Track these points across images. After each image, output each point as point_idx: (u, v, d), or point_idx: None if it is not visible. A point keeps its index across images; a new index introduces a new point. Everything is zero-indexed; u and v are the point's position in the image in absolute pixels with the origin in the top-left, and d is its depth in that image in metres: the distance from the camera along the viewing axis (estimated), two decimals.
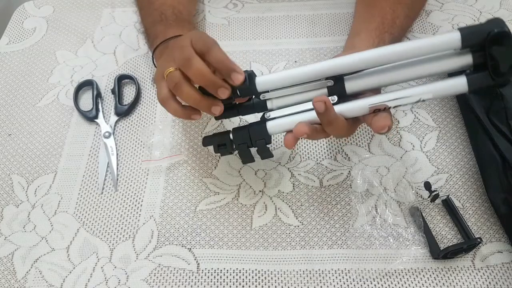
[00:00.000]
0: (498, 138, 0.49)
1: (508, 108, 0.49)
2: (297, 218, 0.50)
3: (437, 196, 0.50)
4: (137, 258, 0.48)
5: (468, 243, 0.45)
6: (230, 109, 0.46)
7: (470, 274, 0.45)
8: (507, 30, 0.37)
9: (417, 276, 0.46)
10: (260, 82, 0.44)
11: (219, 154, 0.55)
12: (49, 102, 0.62)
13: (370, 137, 0.56)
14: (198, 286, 0.46)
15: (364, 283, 0.46)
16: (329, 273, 0.46)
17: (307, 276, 0.46)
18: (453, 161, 0.53)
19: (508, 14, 0.66)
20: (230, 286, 0.46)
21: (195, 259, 0.48)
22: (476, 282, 0.45)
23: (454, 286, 0.45)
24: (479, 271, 0.46)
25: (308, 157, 0.55)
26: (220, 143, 0.47)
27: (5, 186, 0.54)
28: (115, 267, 0.48)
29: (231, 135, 0.46)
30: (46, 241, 0.50)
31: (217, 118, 0.48)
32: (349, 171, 0.53)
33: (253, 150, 0.46)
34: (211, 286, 0.46)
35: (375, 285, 0.45)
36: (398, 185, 0.51)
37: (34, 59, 0.67)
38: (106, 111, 0.61)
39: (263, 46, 0.66)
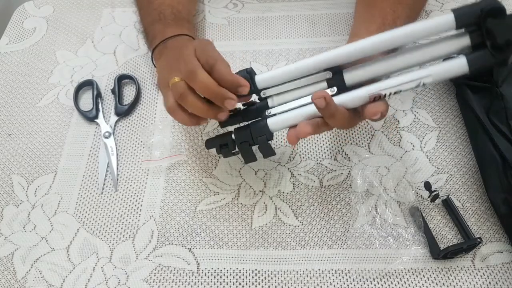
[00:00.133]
0: (498, 138, 0.49)
1: (508, 108, 0.49)
2: (297, 218, 0.50)
3: (437, 196, 0.50)
4: (137, 258, 0.48)
5: (468, 243, 0.45)
6: (235, 116, 0.47)
7: (470, 274, 0.45)
8: (499, 4, 0.37)
9: (417, 276, 0.46)
10: (260, 79, 0.44)
11: (219, 154, 0.55)
12: (49, 102, 0.62)
13: (370, 137, 0.56)
14: (198, 286, 0.46)
15: (364, 283, 0.46)
16: (329, 273, 0.46)
17: (307, 276, 0.46)
18: (453, 161, 0.53)
19: None
20: (230, 286, 0.46)
21: (195, 259, 0.48)
22: (476, 282, 0.45)
23: (454, 286, 0.45)
24: (479, 271, 0.46)
25: (308, 157, 0.55)
26: (222, 143, 0.47)
27: (5, 186, 0.54)
28: (115, 267, 0.48)
29: (233, 135, 0.46)
30: (46, 241, 0.50)
31: (222, 125, 0.48)
32: (349, 171, 0.53)
33: (256, 150, 0.46)
34: (211, 286, 0.46)
35: (375, 285, 0.45)
36: (398, 185, 0.51)
37: (34, 59, 0.67)
38: (106, 111, 0.61)
39: (263, 46, 0.66)
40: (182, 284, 0.46)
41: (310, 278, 0.46)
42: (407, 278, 0.46)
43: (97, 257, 0.49)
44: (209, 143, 0.48)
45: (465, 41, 0.38)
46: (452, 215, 0.49)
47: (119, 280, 0.47)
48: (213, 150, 0.55)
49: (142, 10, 0.62)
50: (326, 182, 0.52)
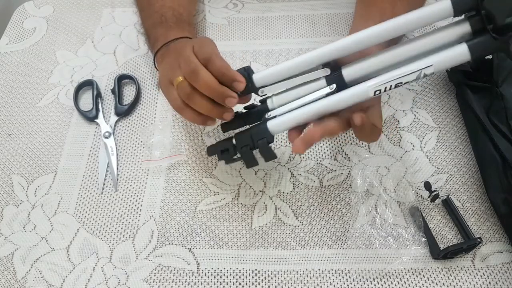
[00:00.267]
0: (498, 138, 0.49)
1: (508, 108, 0.49)
2: (297, 218, 0.50)
3: (437, 196, 0.50)
4: (137, 258, 0.48)
5: (468, 243, 0.45)
6: (237, 120, 0.47)
7: (470, 274, 0.45)
8: None
9: (417, 276, 0.46)
10: (258, 77, 0.44)
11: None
12: (49, 102, 0.62)
13: None
14: (198, 286, 0.46)
15: (364, 283, 0.46)
16: (329, 273, 0.46)
17: (307, 276, 0.46)
18: (453, 161, 0.53)
19: None
20: (230, 286, 0.46)
21: (195, 259, 0.48)
22: (476, 282, 0.45)
23: (454, 286, 0.45)
24: (479, 271, 0.46)
25: (308, 157, 0.55)
26: (223, 149, 0.47)
27: (5, 186, 0.54)
28: (115, 267, 0.48)
29: (233, 140, 0.46)
30: (46, 241, 0.50)
31: (224, 130, 0.48)
32: (349, 171, 0.53)
33: (257, 155, 0.46)
34: (211, 286, 0.46)
35: (375, 285, 0.45)
36: (398, 185, 0.51)
37: (34, 59, 0.67)
38: (106, 111, 0.61)
39: (263, 46, 0.66)
40: (182, 284, 0.46)
41: (310, 278, 0.46)
42: (407, 278, 0.46)
43: (97, 257, 0.49)
44: (211, 150, 0.48)
45: (465, 28, 0.38)
46: (452, 215, 0.49)
47: (119, 280, 0.47)
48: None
49: (143, 12, 0.62)
50: (326, 182, 0.52)
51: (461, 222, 0.48)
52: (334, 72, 0.42)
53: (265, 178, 0.53)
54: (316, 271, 0.46)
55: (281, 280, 0.46)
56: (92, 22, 0.71)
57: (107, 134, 0.58)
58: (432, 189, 0.50)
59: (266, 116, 0.44)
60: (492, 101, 0.51)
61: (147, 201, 0.52)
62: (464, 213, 0.49)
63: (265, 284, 0.46)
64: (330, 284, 0.46)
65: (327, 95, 0.42)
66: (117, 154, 0.56)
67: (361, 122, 0.40)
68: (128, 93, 0.62)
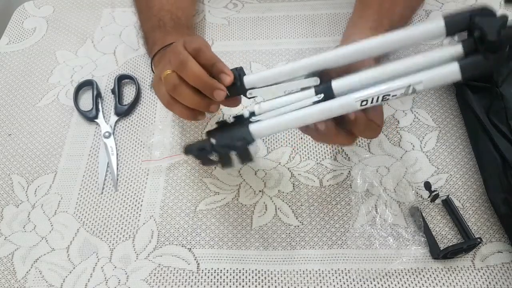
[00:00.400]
0: (498, 138, 0.49)
1: (508, 108, 0.49)
2: (297, 218, 0.50)
3: (437, 196, 0.50)
4: (137, 258, 0.48)
5: (468, 243, 0.45)
6: (224, 128, 0.45)
7: (470, 274, 0.45)
8: (488, 6, 0.36)
9: (417, 276, 0.46)
10: (248, 80, 0.43)
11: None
12: (49, 102, 0.62)
13: None
14: (198, 286, 0.46)
15: (364, 283, 0.46)
16: (329, 273, 0.46)
17: (307, 276, 0.46)
18: (453, 161, 0.53)
19: (508, 14, 0.66)
20: (230, 286, 0.46)
21: (195, 259, 0.48)
22: (476, 282, 0.45)
23: (454, 286, 0.45)
24: (479, 271, 0.46)
25: (308, 157, 0.55)
26: (200, 147, 0.45)
27: (5, 186, 0.54)
28: (115, 267, 0.48)
29: (212, 140, 0.44)
30: (46, 241, 0.50)
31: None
32: (349, 171, 0.53)
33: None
34: (211, 286, 0.46)
35: (375, 285, 0.45)
36: (398, 185, 0.51)
37: (34, 59, 0.67)
38: (106, 111, 0.61)
39: (263, 46, 0.66)
40: (182, 284, 0.46)
41: (310, 278, 0.46)
42: (407, 278, 0.46)
43: (97, 257, 0.49)
44: (188, 149, 0.46)
45: (458, 48, 0.38)
46: (452, 215, 0.49)
47: (119, 280, 0.47)
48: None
49: (142, 14, 0.62)
50: (326, 182, 0.52)
51: (461, 222, 0.48)
52: (324, 83, 0.41)
53: (265, 178, 0.53)
54: (316, 271, 0.46)
55: (281, 280, 0.46)
56: (92, 22, 0.71)
57: (107, 134, 0.58)
58: (432, 189, 0.50)
59: (251, 119, 0.43)
60: (492, 101, 0.51)
61: (147, 201, 0.52)
62: (464, 213, 0.49)
63: (265, 284, 0.46)
64: (330, 284, 0.46)
65: (314, 103, 0.41)
66: (117, 154, 0.56)
67: (353, 116, 0.39)
68: (128, 93, 0.62)
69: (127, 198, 0.53)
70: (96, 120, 0.59)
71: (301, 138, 0.56)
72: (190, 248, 0.49)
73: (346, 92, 0.41)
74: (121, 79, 0.63)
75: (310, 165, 0.54)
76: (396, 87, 0.38)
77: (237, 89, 0.44)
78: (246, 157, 0.44)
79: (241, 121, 0.44)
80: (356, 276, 0.46)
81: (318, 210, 0.50)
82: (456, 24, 0.37)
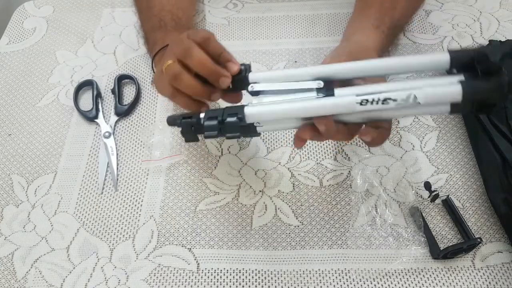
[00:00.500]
0: (498, 138, 0.49)
1: (508, 108, 0.49)
2: (297, 218, 0.50)
3: (437, 196, 0.50)
4: (137, 258, 0.48)
5: (468, 243, 0.45)
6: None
7: (470, 274, 0.45)
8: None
9: (417, 276, 0.46)
10: (253, 76, 0.43)
11: (219, 154, 0.55)
12: (49, 102, 0.62)
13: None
14: (198, 286, 0.46)
15: (364, 283, 0.46)
16: (329, 273, 0.46)
17: (307, 276, 0.46)
18: (453, 161, 0.53)
19: (508, 14, 0.66)
20: (230, 286, 0.46)
21: (195, 259, 0.48)
22: (476, 282, 0.45)
23: (454, 286, 0.45)
24: (479, 271, 0.46)
25: (308, 157, 0.55)
26: (185, 116, 0.44)
27: (5, 186, 0.54)
28: (115, 267, 0.48)
29: (201, 115, 0.43)
30: (46, 241, 0.50)
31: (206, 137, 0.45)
32: (349, 171, 0.53)
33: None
34: (211, 286, 0.46)
35: (375, 285, 0.45)
36: (398, 185, 0.51)
37: (34, 59, 0.67)
38: (106, 111, 0.61)
39: (263, 46, 0.66)
40: (182, 284, 0.46)
41: (310, 278, 0.46)
42: (407, 278, 0.46)
43: (97, 257, 0.49)
44: (171, 117, 0.45)
45: (460, 77, 0.38)
46: (452, 215, 0.49)
47: (119, 280, 0.47)
48: (214, 150, 0.56)
49: (142, 14, 0.62)
50: (326, 182, 0.52)
51: (461, 222, 0.48)
52: (327, 88, 0.41)
53: (265, 178, 0.53)
54: (316, 271, 0.46)
55: (281, 280, 0.46)
56: (92, 22, 0.71)
57: (107, 134, 0.58)
58: (432, 189, 0.50)
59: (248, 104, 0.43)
60: None
61: (147, 201, 0.52)
62: (464, 213, 0.49)
63: (265, 284, 0.46)
64: (330, 284, 0.46)
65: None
66: (117, 154, 0.56)
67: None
68: (128, 93, 0.62)
69: (127, 198, 0.53)
70: (96, 120, 0.59)
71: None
72: (190, 248, 0.49)
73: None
74: (121, 79, 0.63)
75: (310, 165, 0.54)
76: (396, 88, 0.38)
77: (240, 82, 0.43)
78: (232, 131, 0.42)
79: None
80: (356, 276, 0.46)
81: (318, 210, 0.50)
82: (461, 59, 0.38)
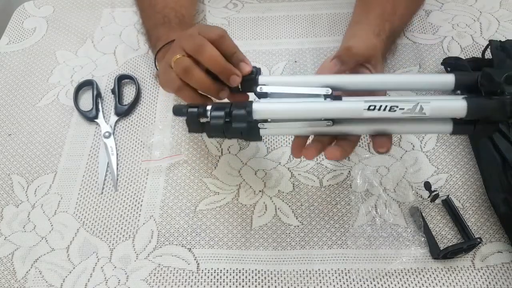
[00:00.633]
0: (498, 138, 0.49)
1: None
2: (297, 218, 0.50)
3: (437, 196, 0.50)
4: (137, 258, 0.48)
5: (468, 243, 0.45)
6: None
7: (470, 274, 0.45)
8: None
9: (417, 276, 0.46)
10: (262, 79, 0.44)
11: (219, 154, 0.55)
12: (49, 102, 0.62)
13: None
14: (198, 286, 0.46)
15: (364, 283, 0.46)
16: (329, 273, 0.46)
17: (307, 276, 0.46)
18: (453, 161, 0.53)
19: (508, 14, 0.66)
20: (230, 286, 0.46)
21: (195, 259, 0.48)
22: (476, 282, 0.45)
23: (454, 286, 0.45)
24: (479, 271, 0.46)
25: None
26: (191, 105, 0.43)
27: (5, 186, 0.54)
28: (115, 267, 0.48)
29: (208, 107, 0.42)
30: (46, 241, 0.50)
31: (210, 136, 0.45)
32: (349, 171, 0.53)
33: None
34: (211, 286, 0.46)
35: (375, 285, 0.45)
36: (398, 185, 0.51)
37: (34, 59, 0.67)
38: (106, 111, 0.61)
39: (263, 46, 0.66)
40: (182, 284, 0.46)
41: (310, 278, 0.46)
42: (407, 278, 0.46)
43: (97, 257, 0.49)
44: (177, 107, 0.44)
45: (463, 96, 0.40)
46: (452, 215, 0.49)
47: (119, 280, 0.47)
48: (214, 150, 0.56)
49: (144, 12, 0.62)
50: (326, 182, 0.52)
51: (461, 222, 0.48)
52: (335, 96, 0.42)
53: (265, 178, 0.53)
54: (316, 271, 0.46)
55: (281, 280, 0.46)
56: (92, 22, 0.71)
57: (107, 134, 0.58)
58: (432, 189, 0.50)
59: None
60: None
61: (147, 201, 0.52)
62: (464, 213, 0.49)
63: (265, 284, 0.46)
64: (330, 284, 0.46)
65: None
66: (117, 154, 0.56)
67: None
68: (128, 93, 0.62)
69: (127, 198, 0.53)
70: (96, 120, 0.59)
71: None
72: (190, 248, 0.49)
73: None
74: (121, 79, 0.63)
75: (310, 165, 0.54)
76: (404, 99, 0.39)
77: (249, 84, 0.44)
78: (239, 122, 0.41)
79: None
80: (356, 276, 0.46)
81: (318, 210, 0.50)
82: (465, 81, 0.40)
